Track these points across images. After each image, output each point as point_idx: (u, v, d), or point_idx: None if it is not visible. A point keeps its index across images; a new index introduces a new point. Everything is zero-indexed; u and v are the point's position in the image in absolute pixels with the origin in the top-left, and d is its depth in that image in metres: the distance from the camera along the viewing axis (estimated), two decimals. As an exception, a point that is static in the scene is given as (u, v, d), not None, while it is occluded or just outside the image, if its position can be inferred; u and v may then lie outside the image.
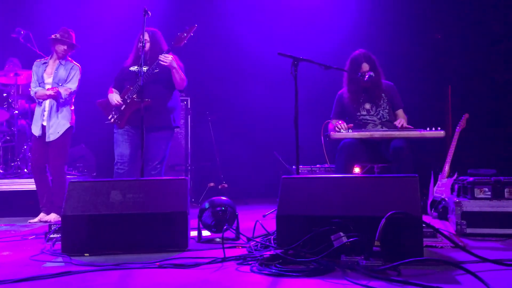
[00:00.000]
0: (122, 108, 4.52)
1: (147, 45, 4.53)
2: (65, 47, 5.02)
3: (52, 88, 4.89)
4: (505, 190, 3.60)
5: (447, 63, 6.61)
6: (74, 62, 5.10)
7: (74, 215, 3.03)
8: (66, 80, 4.99)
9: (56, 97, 4.89)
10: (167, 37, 4.64)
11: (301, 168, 5.48)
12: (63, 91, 4.92)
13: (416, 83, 6.57)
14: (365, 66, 4.37)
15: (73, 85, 5.01)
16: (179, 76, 4.46)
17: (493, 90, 6.43)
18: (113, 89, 4.65)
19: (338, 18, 7.17)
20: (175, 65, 4.39)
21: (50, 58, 5.10)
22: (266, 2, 7.41)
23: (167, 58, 4.34)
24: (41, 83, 5.02)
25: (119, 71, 4.71)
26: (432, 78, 6.70)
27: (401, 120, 4.20)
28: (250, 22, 7.38)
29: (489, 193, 3.63)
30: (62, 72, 5.00)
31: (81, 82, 5.12)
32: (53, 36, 4.98)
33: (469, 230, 3.55)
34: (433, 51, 6.74)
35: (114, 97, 4.54)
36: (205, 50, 7.33)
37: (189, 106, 7.03)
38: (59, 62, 5.04)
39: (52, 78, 4.99)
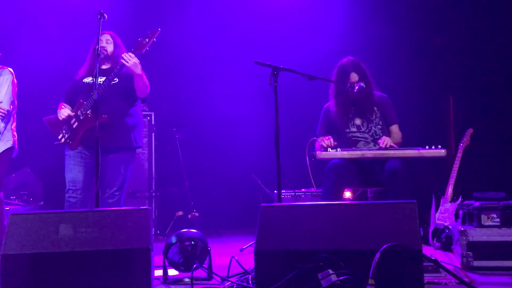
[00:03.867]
0: (74, 126, 4.46)
1: (111, 47, 4.52)
2: None
3: None
4: (516, 216, 3.64)
5: (448, 71, 6.69)
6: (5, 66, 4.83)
7: (15, 254, 2.96)
8: None
9: None
10: (126, 44, 4.62)
11: (283, 193, 5.49)
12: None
13: (413, 94, 6.63)
14: (354, 76, 4.40)
15: (6, 96, 4.71)
16: (142, 82, 4.43)
17: (500, 101, 6.49)
18: (64, 105, 4.58)
19: (324, 23, 7.21)
20: (139, 70, 4.35)
21: None
22: (241, 5, 7.42)
23: (132, 59, 4.29)
24: None
25: (71, 84, 4.65)
26: (430, 88, 6.77)
27: (385, 139, 4.16)
28: (223, 27, 7.40)
29: (498, 219, 3.67)
30: None
31: (25, 96, 4.99)
32: None
33: (476, 263, 3.57)
34: (431, 58, 6.82)
35: (63, 112, 4.47)
36: (171, 58, 7.32)
37: (153, 122, 6.99)
38: None
39: None
